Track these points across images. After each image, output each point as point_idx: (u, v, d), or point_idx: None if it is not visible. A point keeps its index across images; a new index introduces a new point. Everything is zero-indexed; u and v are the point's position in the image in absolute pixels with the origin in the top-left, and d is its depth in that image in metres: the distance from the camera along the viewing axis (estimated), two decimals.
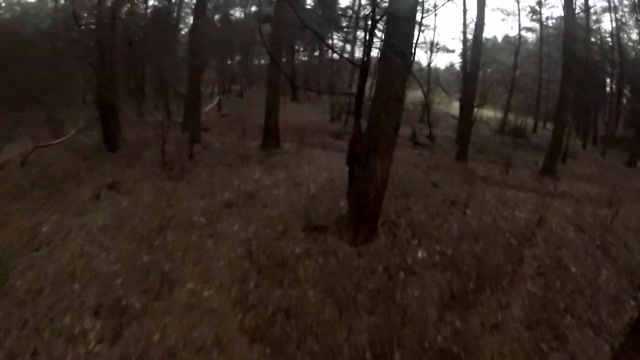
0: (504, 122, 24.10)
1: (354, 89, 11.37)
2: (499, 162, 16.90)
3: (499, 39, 35.53)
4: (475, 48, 16.75)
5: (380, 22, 9.93)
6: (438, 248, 8.02)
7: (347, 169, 9.49)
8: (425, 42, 30.18)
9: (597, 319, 6.70)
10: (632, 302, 7.27)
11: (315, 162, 12.62)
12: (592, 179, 16.31)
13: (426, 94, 24.73)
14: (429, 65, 27.33)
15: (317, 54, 27.12)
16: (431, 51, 27.96)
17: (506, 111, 23.95)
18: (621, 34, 23.74)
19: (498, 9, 34.79)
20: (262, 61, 30.55)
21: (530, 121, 25.39)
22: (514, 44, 25.44)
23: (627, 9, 23.61)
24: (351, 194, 8.56)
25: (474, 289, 7.01)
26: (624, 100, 24.19)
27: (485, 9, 16.95)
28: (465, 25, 23.94)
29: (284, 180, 10.77)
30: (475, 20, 16.80)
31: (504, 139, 22.43)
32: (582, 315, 6.73)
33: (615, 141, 23.28)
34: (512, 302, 6.74)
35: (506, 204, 10.28)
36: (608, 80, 25.48)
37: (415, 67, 29.54)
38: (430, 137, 19.88)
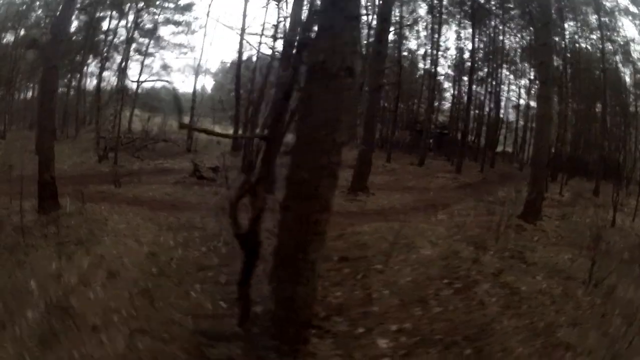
0: None
1: None
2: None
3: None
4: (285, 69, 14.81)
5: None
6: (393, 327, 5.51)
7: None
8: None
9: None
10: None
11: (114, 228, 9.06)
12: (395, 187, 16.67)
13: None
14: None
15: (73, 83, 21.64)
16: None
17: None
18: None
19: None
20: (29, 95, 23.03)
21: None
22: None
23: None
24: (247, 298, 5.16)
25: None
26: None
27: None
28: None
29: (93, 270, 6.98)
30: None
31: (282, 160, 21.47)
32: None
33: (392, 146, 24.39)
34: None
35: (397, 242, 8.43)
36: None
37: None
38: (215, 168, 17.71)
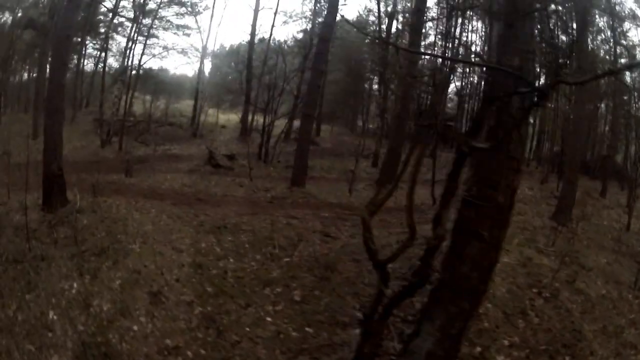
0: (289, 128, 21.16)
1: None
2: (328, 177, 14.57)
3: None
4: (322, 53, 12.55)
5: None
6: (505, 342, 5.15)
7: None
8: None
9: None
10: None
11: (140, 231, 6.93)
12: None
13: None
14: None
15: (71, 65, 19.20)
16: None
17: (291, 117, 21.17)
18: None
19: (281, 12, 31.32)
20: (25, 76, 20.63)
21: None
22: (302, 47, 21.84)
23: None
24: None
25: None
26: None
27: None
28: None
29: (129, 292, 5.12)
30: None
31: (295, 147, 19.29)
32: None
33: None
34: None
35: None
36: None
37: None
38: (232, 156, 15.68)
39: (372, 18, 25.12)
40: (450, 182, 3.85)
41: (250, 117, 19.74)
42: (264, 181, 12.51)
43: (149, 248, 6.38)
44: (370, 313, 4.23)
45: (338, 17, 13.25)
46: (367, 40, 26.48)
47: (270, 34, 21.46)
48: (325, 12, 12.06)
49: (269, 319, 4.97)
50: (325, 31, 11.74)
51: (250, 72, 19.78)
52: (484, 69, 4.30)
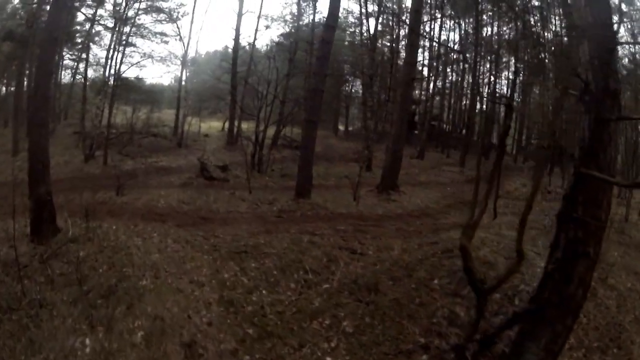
0: (277, 134, 20.10)
1: None
2: (326, 185, 13.68)
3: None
4: (325, 57, 11.58)
5: None
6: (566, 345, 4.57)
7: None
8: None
9: None
10: None
11: (147, 261, 5.92)
12: (410, 182, 14.56)
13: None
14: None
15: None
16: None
17: (280, 124, 20.02)
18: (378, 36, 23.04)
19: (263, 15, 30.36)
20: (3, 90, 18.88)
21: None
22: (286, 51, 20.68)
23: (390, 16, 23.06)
24: None
25: None
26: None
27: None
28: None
29: (158, 346, 4.20)
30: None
31: (284, 154, 17.62)
32: None
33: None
34: None
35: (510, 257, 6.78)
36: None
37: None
38: (225, 167, 14.48)
39: (351, 19, 24.60)
40: (568, 206, 3.80)
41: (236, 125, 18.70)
42: (264, 193, 11.55)
43: (163, 284, 5.39)
44: (467, 341, 4.17)
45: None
46: (346, 42, 25.95)
47: (255, 39, 20.47)
48: (327, 14, 11.09)
49: (328, 358, 4.19)
50: (328, 33, 10.86)
51: (235, 77, 18.76)
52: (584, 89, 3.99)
